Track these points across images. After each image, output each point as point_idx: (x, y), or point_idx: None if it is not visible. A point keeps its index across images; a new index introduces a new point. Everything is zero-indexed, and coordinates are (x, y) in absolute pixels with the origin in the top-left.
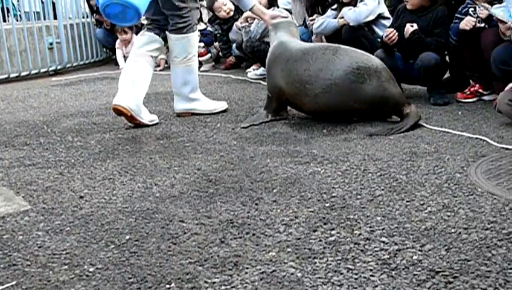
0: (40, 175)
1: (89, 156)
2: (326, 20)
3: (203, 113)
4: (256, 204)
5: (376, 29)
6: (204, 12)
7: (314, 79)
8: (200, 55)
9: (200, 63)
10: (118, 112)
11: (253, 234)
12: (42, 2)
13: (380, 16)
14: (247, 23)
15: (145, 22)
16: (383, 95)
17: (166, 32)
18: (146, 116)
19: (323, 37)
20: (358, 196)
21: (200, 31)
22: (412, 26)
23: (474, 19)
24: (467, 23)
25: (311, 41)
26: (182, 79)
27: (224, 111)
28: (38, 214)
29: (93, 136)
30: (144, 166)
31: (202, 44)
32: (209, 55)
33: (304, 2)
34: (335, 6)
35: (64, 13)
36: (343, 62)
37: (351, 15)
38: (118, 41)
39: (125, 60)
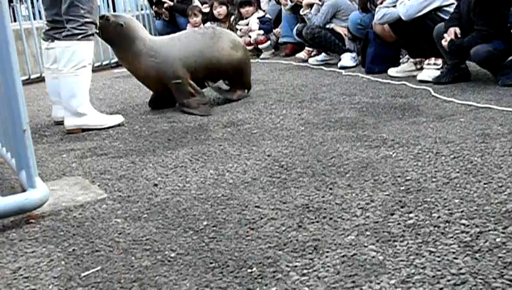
0: (113, 164)
1: (159, 144)
2: (388, 11)
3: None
4: (331, 189)
5: (441, 15)
6: (264, 1)
7: None
8: (259, 42)
9: (260, 51)
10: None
11: (330, 218)
12: None
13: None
14: (308, 9)
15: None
16: None
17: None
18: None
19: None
20: (434, 179)
21: (258, 18)
22: (446, 40)
23: None
24: None
25: (371, 26)
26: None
27: (119, 125)
28: (115, 202)
29: (161, 125)
30: (214, 153)
31: (262, 31)
32: (268, 42)
33: None
34: None
35: (123, 6)
36: None
37: (401, 10)
38: (188, 25)
39: None
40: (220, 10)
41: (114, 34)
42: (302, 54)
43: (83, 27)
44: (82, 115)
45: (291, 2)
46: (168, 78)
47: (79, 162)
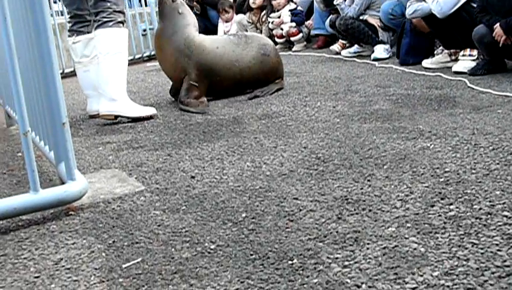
0: (149, 157)
1: (194, 137)
2: (419, 7)
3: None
4: (369, 180)
5: (474, 4)
6: None
7: None
8: (291, 34)
9: (292, 43)
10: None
11: (370, 210)
12: None
13: None
14: (341, 0)
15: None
16: None
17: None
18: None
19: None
20: (473, 171)
21: (290, 10)
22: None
23: None
24: None
25: (403, 16)
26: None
27: (151, 118)
28: (153, 194)
29: (195, 118)
30: (250, 145)
31: (294, 24)
32: (300, 34)
33: None
34: None
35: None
36: None
37: (435, 8)
38: (219, 19)
39: (224, 34)
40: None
41: (167, 14)
42: (335, 47)
43: (111, 15)
44: (116, 100)
45: None
46: (189, 77)
47: (115, 155)
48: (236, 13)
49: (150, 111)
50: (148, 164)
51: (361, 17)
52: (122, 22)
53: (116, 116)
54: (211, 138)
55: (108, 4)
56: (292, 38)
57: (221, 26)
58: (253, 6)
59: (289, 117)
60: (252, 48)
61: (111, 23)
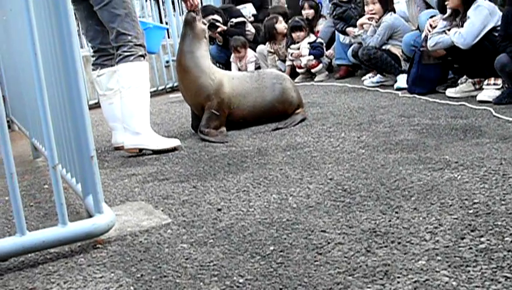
0: (175, 189)
1: (219, 169)
2: (440, 39)
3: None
4: (397, 212)
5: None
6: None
7: None
8: (311, 67)
9: (314, 74)
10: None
11: (399, 243)
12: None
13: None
14: (362, 30)
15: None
16: None
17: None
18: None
19: None
20: (503, 202)
21: (309, 43)
22: None
23: None
24: None
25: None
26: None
27: (175, 149)
28: (179, 227)
29: (220, 149)
30: (276, 177)
31: (312, 57)
32: (320, 65)
33: (421, 6)
34: (446, 15)
35: (177, 32)
36: None
37: (457, 40)
38: (232, 56)
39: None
40: (281, 26)
41: (194, 37)
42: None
43: (132, 49)
44: (140, 134)
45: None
46: (211, 105)
47: (141, 187)
48: (258, 44)
49: (174, 143)
50: (174, 196)
51: (383, 47)
52: (143, 56)
53: (141, 150)
54: (236, 169)
55: (129, 38)
56: (312, 70)
57: (235, 66)
58: (285, 31)
59: (314, 148)
60: (265, 79)
61: (132, 58)
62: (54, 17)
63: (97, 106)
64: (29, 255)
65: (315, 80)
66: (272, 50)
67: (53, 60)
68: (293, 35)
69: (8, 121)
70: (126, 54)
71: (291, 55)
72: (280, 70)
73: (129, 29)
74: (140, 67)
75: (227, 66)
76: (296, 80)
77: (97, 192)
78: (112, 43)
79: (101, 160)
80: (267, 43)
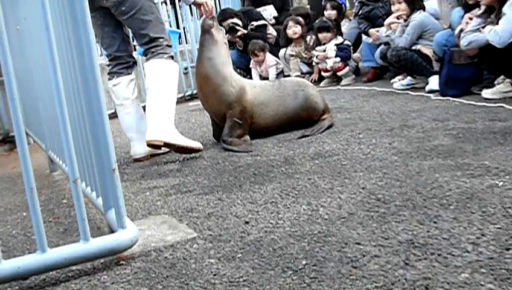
0: (199, 201)
1: (244, 179)
2: (474, 38)
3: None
4: (435, 222)
5: None
6: (345, 25)
7: None
8: (337, 70)
9: (340, 78)
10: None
11: (439, 255)
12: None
13: None
14: (391, 30)
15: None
16: None
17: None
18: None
19: None
20: None
21: (336, 45)
22: None
23: None
24: None
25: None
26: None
27: (198, 151)
28: (206, 241)
29: (244, 159)
30: (305, 187)
31: (338, 59)
32: (347, 68)
33: (453, 3)
34: (480, 11)
35: (196, 37)
36: None
37: (493, 38)
38: (252, 61)
39: (260, 78)
40: (296, 29)
41: (214, 44)
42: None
43: (165, 49)
44: (164, 128)
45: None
46: (233, 113)
47: (164, 200)
48: (280, 48)
49: (197, 144)
50: (198, 209)
51: (413, 47)
52: (172, 57)
53: (164, 143)
54: (262, 180)
55: (161, 40)
56: (339, 73)
57: (255, 72)
58: (294, 36)
59: (343, 156)
60: (287, 87)
61: (165, 56)
62: (72, 25)
63: (113, 115)
64: (51, 273)
65: (341, 84)
66: (294, 53)
67: (71, 70)
68: (320, 36)
69: None
70: (160, 51)
71: (316, 57)
72: (302, 72)
73: (160, 32)
74: (171, 66)
75: (247, 71)
76: (322, 85)
77: (119, 206)
78: (141, 47)
79: (120, 172)
80: (289, 47)
